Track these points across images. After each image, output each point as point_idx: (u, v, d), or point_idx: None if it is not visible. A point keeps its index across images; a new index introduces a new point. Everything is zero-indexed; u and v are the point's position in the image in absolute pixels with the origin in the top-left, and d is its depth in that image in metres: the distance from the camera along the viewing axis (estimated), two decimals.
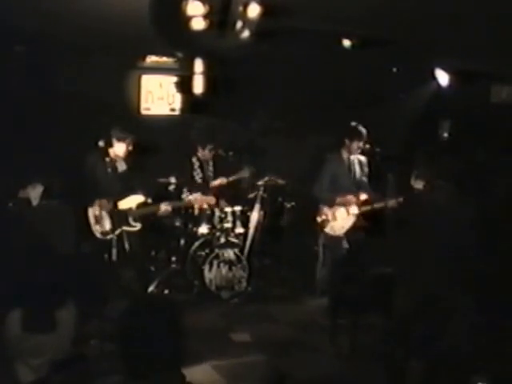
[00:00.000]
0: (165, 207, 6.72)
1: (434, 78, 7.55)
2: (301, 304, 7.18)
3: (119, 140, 6.30)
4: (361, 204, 6.94)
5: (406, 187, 7.58)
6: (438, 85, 7.55)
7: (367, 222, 6.92)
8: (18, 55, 6.53)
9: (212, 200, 7.06)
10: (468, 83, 7.19)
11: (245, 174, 7.56)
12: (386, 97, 8.16)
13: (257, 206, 7.56)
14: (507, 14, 4.36)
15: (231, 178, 7.40)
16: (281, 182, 7.72)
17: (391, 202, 6.63)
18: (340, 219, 6.94)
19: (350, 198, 6.91)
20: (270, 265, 7.96)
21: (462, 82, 7.23)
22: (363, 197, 6.97)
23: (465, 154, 7.32)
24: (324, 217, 6.95)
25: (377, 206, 6.78)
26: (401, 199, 6.55)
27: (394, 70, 7.91)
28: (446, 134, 7.95)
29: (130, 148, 6.39)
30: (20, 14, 5.09)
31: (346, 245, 6.88)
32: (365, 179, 7.12)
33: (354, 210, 6.92)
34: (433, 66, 7.43)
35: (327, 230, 6.97)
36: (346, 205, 6.90)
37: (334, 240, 6.94)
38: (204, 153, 7.35)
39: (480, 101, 7.37)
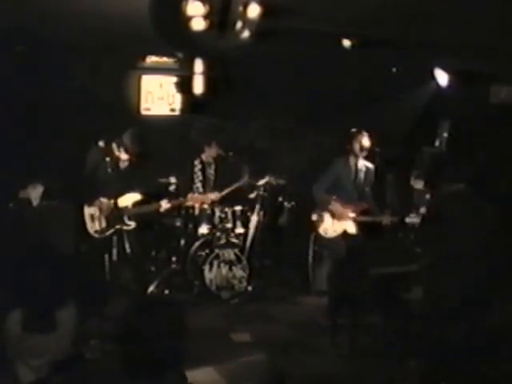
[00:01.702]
0: (165, 205, 6.71)
1: (433, 78, 7.54)
2: (301, 304, 7.19)
3: (126, 151, 6.37)
4: (359, 213, 6.88)
5: (406, 187, 7.61)
6: (438, 85, 7.55)
7: (361, 230, 6.88)
8: (18, 55, 6.53)
9: (208, 199, 7.07)
10: (467, 83, 7.18)
11: (240, 183, 7.44)
12: (386, 97, 8.15)
13: (257, 206, 7.56)
14: (507, 13, 4.36)
15: (224, 192, 7.32)
16: (281, 182, 7.71)
17: (386, 220, 6.65)
18: (334, 223, 6.89)
19: (348, 205, 6.85)
20: (270, 265, 7.95)
21: (462, 82, 7.23)
22: (362, 206, 6.91)
23: (464, 154, 7.32)
24: (319, 217, 6.90)
25: (376, 219, 6.75)
26: (396, 219, 6.62)
27: (394, 70, 7.91)
28: (445, 134, 7.94)
29: (133, 159, 6.45)
30: (20, 13, 5.09)
31: (345, 245, 6.85)
32: (367, 189, 7.03)
33: (350, 216, 6.85)
34: (432, 66, 7.43)
35: (320, 230, 6.92)
36: (342, 210, 6.83)
37: (334, 240, 6.92)
38: (207, 154, 7.35)
39: (479, 101, 7.37)
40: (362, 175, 6.96)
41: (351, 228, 6.86)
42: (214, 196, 7.21)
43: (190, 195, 7.00)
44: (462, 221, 4.96)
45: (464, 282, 4.89)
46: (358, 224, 6.87)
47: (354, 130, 6.88)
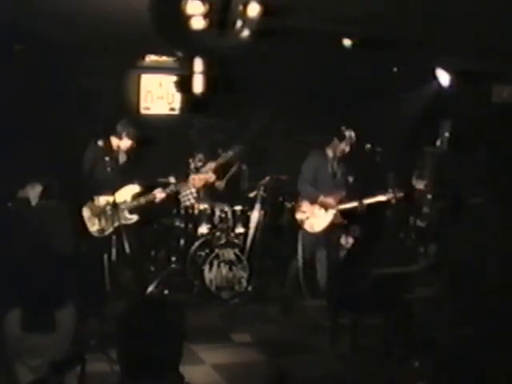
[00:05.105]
0: (159, 194, 6.46)
1: (434, 77, 7.54)
2: (301, 304, 7.17)
3: (128, 137, 6.27)
4: (340, 202, 6.82)
5: (407, 187, 7.61)
6: (439, 84, 7.54)
7: (345, 219, 6.84)
8: (18, 55, 6.52)
9: (212, 177, 6.99)
10: (469, 83, 7.18)
11: (229, 154, 7.20)
12: (386, 97, 8.15)
13: (257, 206, 7.54)
14: (508, 13, 4.36)
15: (220, 161, 7.14)
16: (281, 181, 7.70)
17: (360, 204, 6.67)
18: (318, 216, 6.84)
19: (330, 195, 6.79)
20: (270, 265, 7.95)
21: (463, 82, 7.22)
22: (342, 195, 6.83)
23: (465, 154, 7.33)
24: (303, 214, 6.85)
25: (366, 201, 6.72)
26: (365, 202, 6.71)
27: (395, 69, 7.90)
28: (446, 134, 7.94)
29: (134, 145, 6.37)
30: (20, 13, 5.08)
31: (345, 245, 6.83)
32: (350, 178, 6.95)
33: (333, 207, 6.80)
34: (434, 66, 7.42)
35: (306, 227, 6.86)
36: (325, 202, 6.78)
37: (334, 241, 6.90)
38: (200, 156, 7.30)
39: (481, 100, 7.36)
40: (340, 165, 6.89)
41: (336, 219, 6.82)
42: (209, 166, 7.03)
43: (192, 176, 6.87)
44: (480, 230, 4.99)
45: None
46: (343, 213, 6.82)
47: (342, 127, 6.78)
